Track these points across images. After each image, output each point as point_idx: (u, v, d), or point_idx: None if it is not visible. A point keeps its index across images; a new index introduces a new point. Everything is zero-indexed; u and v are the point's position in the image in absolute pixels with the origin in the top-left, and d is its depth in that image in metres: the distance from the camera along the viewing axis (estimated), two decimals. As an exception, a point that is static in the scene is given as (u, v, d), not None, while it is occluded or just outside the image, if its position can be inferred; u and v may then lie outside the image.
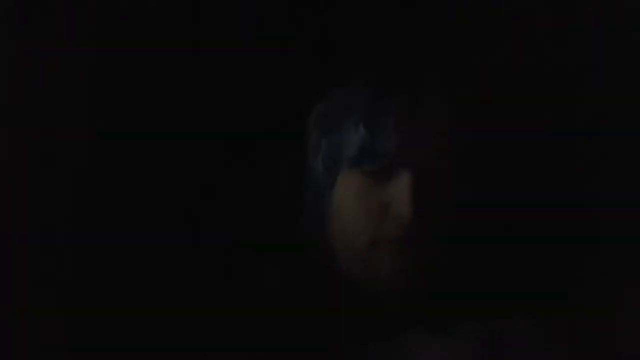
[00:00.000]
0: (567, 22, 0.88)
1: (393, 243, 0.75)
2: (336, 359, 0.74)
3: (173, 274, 0.84)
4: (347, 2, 0.89)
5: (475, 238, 0.81)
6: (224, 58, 0.89)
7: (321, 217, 0.80)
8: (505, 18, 0.88)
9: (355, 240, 0.77)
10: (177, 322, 0.79)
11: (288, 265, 0.81)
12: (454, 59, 0.85)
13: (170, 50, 0.88)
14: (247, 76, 0.89)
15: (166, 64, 0.88)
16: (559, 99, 0.88)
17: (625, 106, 0.85)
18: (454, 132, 0.77)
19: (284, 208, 0.84)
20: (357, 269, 0.77)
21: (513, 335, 0.78)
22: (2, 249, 0.79)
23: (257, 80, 0.89)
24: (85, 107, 0.85)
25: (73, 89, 0.84)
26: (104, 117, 0.86)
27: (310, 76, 0.85)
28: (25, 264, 0.79)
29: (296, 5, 0.89)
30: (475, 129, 0.80)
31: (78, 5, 0.84)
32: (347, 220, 0.77)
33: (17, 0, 0.81)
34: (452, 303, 0.78)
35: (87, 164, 0.85)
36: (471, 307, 0.78)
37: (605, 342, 0.79)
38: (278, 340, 0.75)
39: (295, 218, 0.83)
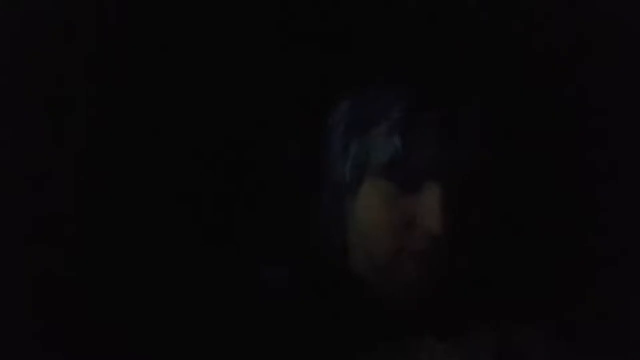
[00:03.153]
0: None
1: (416, 255, 0.74)
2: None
3: (176, 276, 0.82)
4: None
5: (492, 249, 0.79)
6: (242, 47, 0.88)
7: (340, 220, 0.78)
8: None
9: (376, 248, 0.75)
10: (179, 325, 0.78)
11: (300, 268, 0.79)
12: (494, 78, 0.83)
13: (191, 43, 0.86)
14: (265, 68, 0.88)
15: (184, 58, 0.86)
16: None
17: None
18: (489, 150, 0.76)
19: (298, 209, 0.83)
20: (374, 276, 0.76)
21: (524, 342, 0.77)
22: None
23: (277, 72, 0.87)
24: (86, 105, 0.84)
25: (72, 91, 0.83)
26: (111, 113, 0.85)
27: (334, 71, 0.83)
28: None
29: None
30: (509, 148, 0.79)
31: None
32: (370, 227, 0.76)
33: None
34: (463, 310, 0.77)
35: (90, 159, 0.84)
36: (483, 313, 0.78)
37: (616, 350, 0.77)
38: (287, 344, 0.74)
39: (310, 220, 0.81)
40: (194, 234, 0.84)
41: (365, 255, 0.77)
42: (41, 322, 0.78)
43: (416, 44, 0.83)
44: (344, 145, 0.78)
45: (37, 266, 0.78)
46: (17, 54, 0.80)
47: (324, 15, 0.86)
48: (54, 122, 0.82)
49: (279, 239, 0.83)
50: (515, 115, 0.82)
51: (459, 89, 0.78)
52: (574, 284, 0.82)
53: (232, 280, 0.80)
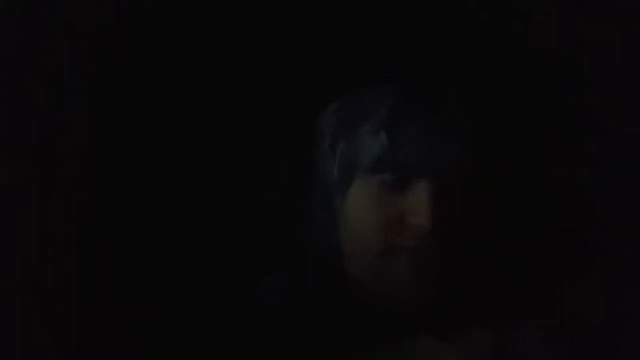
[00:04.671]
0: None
1: (407, 252, 0.73)
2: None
3: (174, 281, 0.82)
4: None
5: (485, 246, 0.80)
6: (233, 55, 0.88)
7: (332, 222, 0.78)
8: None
9: (368, 247, 0.75)
10: (178, 330, 0.78)
11: (294, 270, 0.79)
12: (476, 74, 0.83)
13: (187, 46, 0.87)
14: (255, 74, 0.88)
15: (177, 65, 0.86)
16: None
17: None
18: (474, 145, 0.76)
19: (290, 211, 0.83)
20: (368, 276, 0.76)
21: (521, 342, 0.77)
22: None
23: (265, 79, 0.87)
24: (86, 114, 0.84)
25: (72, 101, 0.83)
26: (108, 122, 0.85)
27: (322, 76, 0.83)
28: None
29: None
30: (494, 142, 0.79)
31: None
32: (361, 226, 0.76)
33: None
34: (460, 310, 0.76)
35: (91, 162, 0.84)
36: (480, 313, 0.77)
37: (611, 348, 0.77)
38: (283, 346, 0.74)
39: (302, 222, 0.81)
40: (191, 237, 0.84)
41: (359, 256, 0.76)
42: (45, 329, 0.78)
43: (415, 43, 0.83)
44: (333, 145, 0.78)
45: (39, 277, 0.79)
46: (17, 53, 0.80)
47: (318, 17, 0.86)
48: (54, 123, 0.82)
49: (274, 243, 0.83)
50: (509, 112, 0.82)
51: (445, 86, 0.77)
52: (573, 283, 0.82)
53: (229, 283, 0.80)
